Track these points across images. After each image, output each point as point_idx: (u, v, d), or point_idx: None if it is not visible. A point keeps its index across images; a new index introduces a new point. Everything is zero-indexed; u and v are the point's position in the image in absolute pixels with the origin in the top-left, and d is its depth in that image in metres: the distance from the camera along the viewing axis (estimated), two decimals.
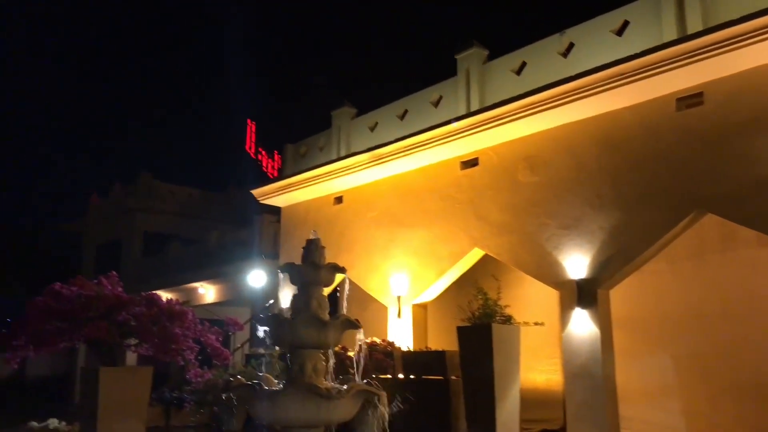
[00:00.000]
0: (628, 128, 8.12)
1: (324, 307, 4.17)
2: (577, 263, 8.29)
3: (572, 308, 8.24)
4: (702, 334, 8.51)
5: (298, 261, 13.13)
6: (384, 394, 4.06)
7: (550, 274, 8.61)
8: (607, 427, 7.81)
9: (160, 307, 6.51)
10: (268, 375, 4.25)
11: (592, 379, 7.96)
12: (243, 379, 4.08)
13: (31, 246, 33.15)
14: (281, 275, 4.40)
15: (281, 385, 3.85)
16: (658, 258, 8.32)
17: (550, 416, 9.99)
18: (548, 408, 10.03)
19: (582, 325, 8.12)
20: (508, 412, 7.86)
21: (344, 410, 3.93)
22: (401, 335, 10.38)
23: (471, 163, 9.92)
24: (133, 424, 5.72)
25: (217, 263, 19.24)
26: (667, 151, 7.64)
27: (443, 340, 10.09)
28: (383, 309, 11.06)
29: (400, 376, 9.11)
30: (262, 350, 13.17)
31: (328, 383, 4.08)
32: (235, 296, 19.28)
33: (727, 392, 8.23)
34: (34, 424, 8.19)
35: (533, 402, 9.75)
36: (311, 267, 4.23)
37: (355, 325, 4.19)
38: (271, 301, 17.08)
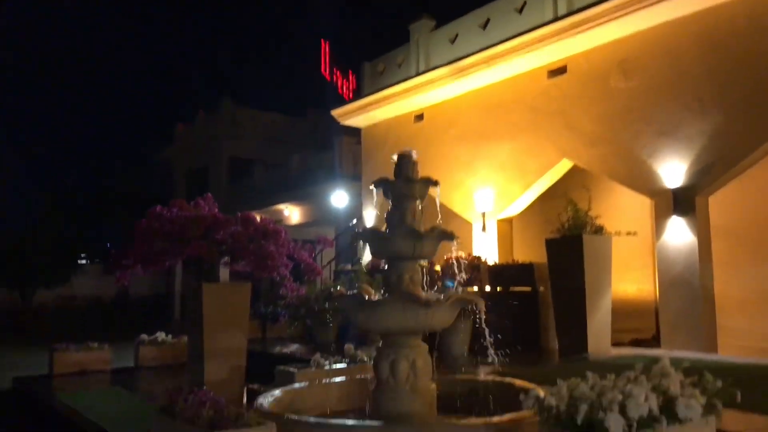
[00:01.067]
0: (732, 24, 7.50)
1: (419, 220, 4.17)
2: (674, 171, 7.92)
3: (668, 217, 7.95)
4: None
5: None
6: (482, 302, 4.08)
7: (645, 183, 8.28)
8: (704, 336, 7.64)
9: (256, 225, 6.71)
10: (365, 286, 4.35)
11: (689, 289, 7.75)
12: (344, 290, 4.20)
13: (127, 176, 34.93)
14: (374, 190, 4.41)
15: (382, 295, 3.92)
16: (759, 163, 7.83)
17: (641, 326, 9.87)
18: (639, 318, 9.90)
19: (679, 233, 7.84)
20: (599, 322, 7.79)
21: (442, 318, 3.99)
22: (486, 250, 10.37)
23: (559, 71, 9.50)
24: (236, 336, 6.00)
25: (300, 185, 19.67)
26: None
27: (529, 253, 10.01)
28: (466, 225, 11.04)
29: (487, 288, 9.16)
30: (349, 266, 13.56)
31: (426, 293, 4.15)
32: (318, 217, 19.75)
33: None
34: (145, 337, 8.81)
35: (624, 312, 9.62)
36: (405, 181, 4.21)
37: (450, 236, 4.18)
38: (355, 220, 17.48)
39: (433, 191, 4.41)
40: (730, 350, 7.86)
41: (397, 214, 4.19)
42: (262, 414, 3.48)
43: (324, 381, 4.81)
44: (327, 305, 7.94)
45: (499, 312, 7.67)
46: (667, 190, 7.96)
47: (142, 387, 7.41)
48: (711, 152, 7.59)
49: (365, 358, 5.50)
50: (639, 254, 9.66)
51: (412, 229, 4.02)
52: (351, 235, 4.22)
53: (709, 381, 2.99)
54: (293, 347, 9.53)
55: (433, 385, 4.08)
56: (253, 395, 5.95)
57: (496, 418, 3.38)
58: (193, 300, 6.45)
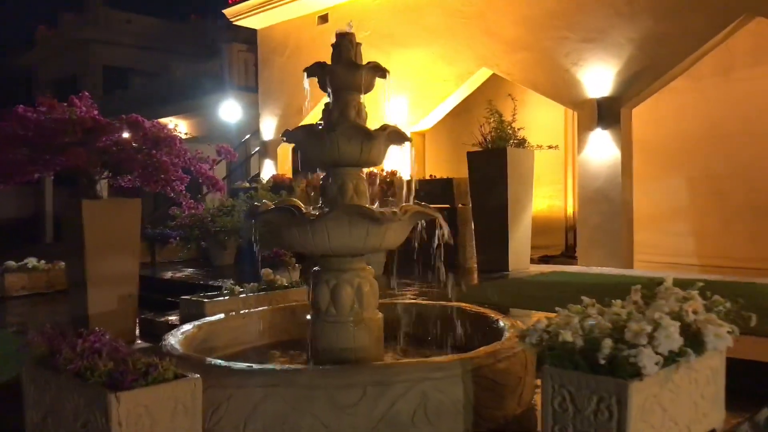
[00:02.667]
0: None
1: (364, 117, 3.41)
2: (599, 80, 7.57)
3: (591, 129, 7.65)
4: (720, 155, 8.09)
5: (279, 92, 12.19)
6: (441, 217, 3.45)
7: (569, 94, 7.90)
8: (622, 252, 7.56)
9: (146, 131, 5.65)
10: (295, 200, 3.60)
11: (610, 204, 7.58)
12: (271, 204, 3.42)
13: None
14: (305, 80, 3.58)
15: (324, 209, 3.17)
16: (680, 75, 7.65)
17: (550, 242, 9.80)
18: (549, 234, 9.81)
19: (601, 147, 7.57)
20: (520, 239, 7.50)
21: (396, 236, 3.33)
22: (398, 165, 9.76)
23: None
24: (127, 261, 5.08)
25: (186, 97, 18.05)
26: None
27: (442, 169, 9.54)
28: None
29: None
30: (246, 184, 12.58)
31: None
32: (208, 132, 18.33)
33: (741, 213, 7.97)
34: (12, 263, 7.60)
35: (534, 229, 9.48)
36: (347, 66, 3.40)
37: (405, 137, 3.47)
38: (248, 137, 16.30)
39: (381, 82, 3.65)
40: (642, 266, 7.86)
41: (337, 110, 3.41)
42: (178, 359, 2.71)
43: (242, 311, 4.07)
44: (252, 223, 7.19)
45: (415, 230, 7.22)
46: (591, 101, 7.62)
47: (10, 320, 6.34)
48: (640, 60, 7.27)
49: (285, 283, 4.79)
50: (551, 169, 9.44)
51: (359, 127, 3.27)
52: (284, 134, 3.27)
53: (720, 304, 2.57)
54: (187, 272, 8.65)
55: (380, 315, 3.46)
56: (150, 327, 5.15)
57: (471, 353, 2.82)
58: (71, 220, 5.39)
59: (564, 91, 7.95)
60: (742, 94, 7.93)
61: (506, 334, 3.18)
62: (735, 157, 7.95)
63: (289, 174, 11.48)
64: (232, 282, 4.64)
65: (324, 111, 3.56)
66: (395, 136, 3.41)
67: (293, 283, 4.82)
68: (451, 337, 3.63)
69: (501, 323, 3.42)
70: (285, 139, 3.52)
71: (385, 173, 8.85)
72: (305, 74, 3.63)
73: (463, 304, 3.97)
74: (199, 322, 3.75)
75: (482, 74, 8.97)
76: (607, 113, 7.45)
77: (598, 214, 7.66)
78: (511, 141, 7.36)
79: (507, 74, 8.60)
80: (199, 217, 9.09)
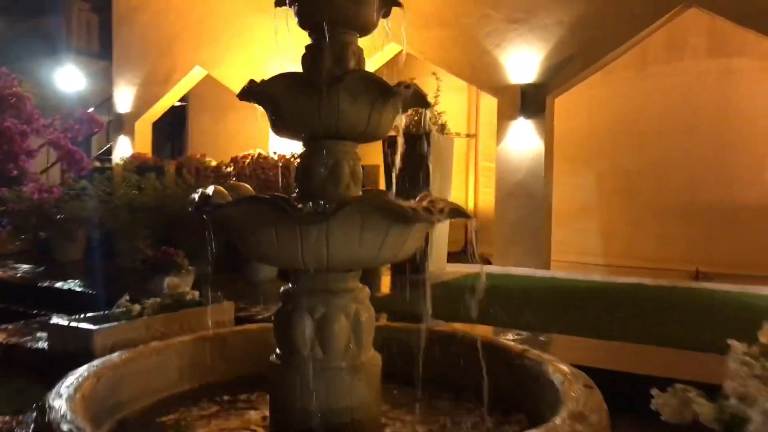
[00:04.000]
0: None
1: (364, 71, 2.34)
2: (523, 65, 6.96)
3: (513, 118, 7.03)
4: (633, 152, 7.87)
5: (139, 58, 10.39)
6: (473, 218, 2.49)
7: (488, 78, 7.22)
8: (541, 251, 7.04)
9: None
10: (243, 185, 2.48)
11: (530, 199, 7.03)
12: (236, 191, 2.27)
13: None
14: (275, 15, 2.46)
15: (316, 204, 2.05)
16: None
17: (450, 238, 9.15)
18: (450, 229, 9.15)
19: (523, 138, 6.98)
20: (439, 237, 6.71)
21: (413, 243, 2.31)
22: (287, 149, 8.59)
23: None
24: None
25: (11, 59, 15.30)
26: None
27: None
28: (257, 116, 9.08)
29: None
30: (97, 162, 10.70)
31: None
32: (37, 104, 15.71)
33: (651, 212, 7.81)
34: None
35: None
36: None
37: (426, 101, 2.45)
38: (91, 110, 14.08)
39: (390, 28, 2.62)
40: (552, 265, 7.42)
41: (331, 55, 2.32)
42: None
43: (152, 343, 2.83)
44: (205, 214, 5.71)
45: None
46: (513, 87, 6.99)
47: None
48: (570, 45, 6.75)
49: (197, 297, 3.55)
50: (456, 159, 8.78)
51: (375, 79, 2.20)
52: (244, 90, 2.10)
53: None
54: (23, 269, 6.90)
55: (379, 356, 2.42)
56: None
57: None
58: None
59: (483, 75, 7.27)
60: (655, 90, 7.76)
61: (566, 392, 2.24)
62: (646, 154, 7.77)
63: (149, 152, 9.84)
64: (126, 298, 3.33)
65: (305, 58, 2.45)
66: (417, 98, 2.38)
67: (212, 297, 3.59)
68: (456, 374, 2.67)
69: (548, 369, 2.48)
70: (246, 96, 2.36)
71: (282, 156, 7.70)
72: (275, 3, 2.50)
73: (457, 327, 3.02)
74: (96, 366, 2.47)
75: (392, 50, 8.05)
76: (532, 101, 6.86)
77: (517, 210, 7.09)
78: (435, 126, 6.55)
79: (419, 52, 7.75)
80: (36, 202, 7.36)
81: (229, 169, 7.45)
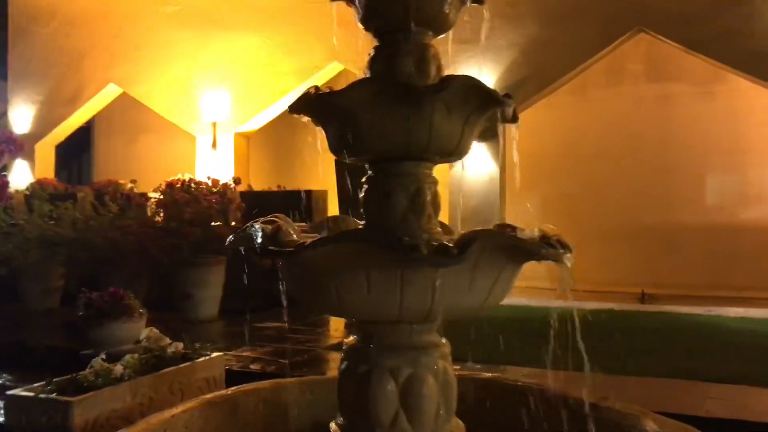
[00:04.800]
0: None
1: (469, 76, 1.94)
2: None
3: None
4: (576, 175, 7.88)
5: (40, 74, 9.40)
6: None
7: None
8: None
9: None
10: (348, 217, 2.04)
11: (485, 225, 6.79)
12: (292, 227, 1.81)
13: None
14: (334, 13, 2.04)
15: (444, 243, 1.60)
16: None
17: None
18: None
19: (478, 161, 6.78)
20: None
21: (512, 283, 1.92)
22: (216, 173, 7.95)
23: None
24: None
25: None
26: None
27: (269, 179, 8.00)
28: (188, 139, 8.39)
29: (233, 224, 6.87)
30: None
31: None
32: None
33: (595, 236, 7.82)
34: None
35: None
36: None
37: (516, 117, 2.09)
38: None
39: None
40: None
41: (411, 60, 1.91)
42: None
43: (150, 417, 2.25)
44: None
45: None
46: None
47: None
48: (522, 68, 6.64)
49: (181, 349, 2.95)
50: None
51: (478, 84, 1.80)
52: (303, 101, 1.64)
53: None
54: None
55: (461, 423, 2.00)
56: None
57: None
58: None
59: None
60: (595, 114, 7.83)
61: None
62: (588, 177, 7.80)
63: (53, 178, 8.83)
64: (103, 357, 2.70)
65: (373, 63, 2.03)
66: (512, 111, 2.01)
67: (195, 349, 3.01)
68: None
69: (644, 422, 2.14)
70: (304, 107, 1.91)
71: (216, 181, 7.05)
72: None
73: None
74: None
75: (333, 69, 7.67)
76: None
77: None
78: None
79: (363, 71, 7.38)
80: None
81: (156, 197, 6.70)
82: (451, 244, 1.57)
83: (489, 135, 5.82)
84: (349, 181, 5.82)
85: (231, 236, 1.87)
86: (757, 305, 6.02)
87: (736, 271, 7.10)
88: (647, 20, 6.24)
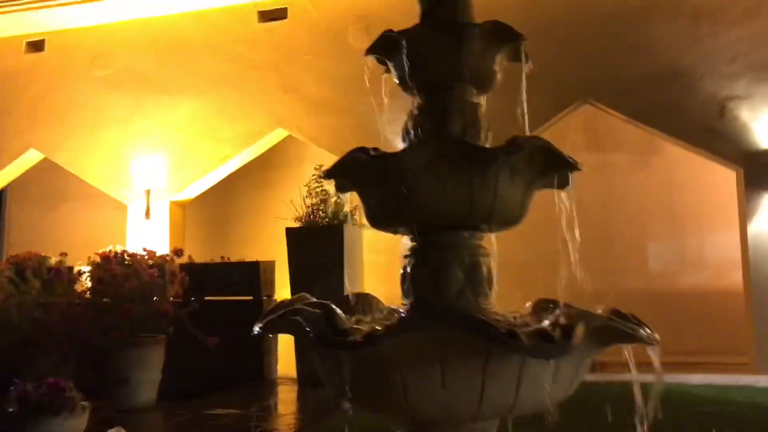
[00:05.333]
0: None
1: (541, 138, 1.75)
2: None
3: None
4: (525, 243, 7.81)
5: None
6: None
7: None
8: None
9: None
10: (370, 294, 1.76)
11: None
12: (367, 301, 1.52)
13: None
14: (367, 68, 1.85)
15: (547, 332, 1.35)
16: None
17: None
18: None
19: None
20: None
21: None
22: (150, 244, 7.43)
23: (275, 14, 7.37)
24: None
25: None
26: (560, 31, 6.48)
27: (205, 250, 7.54)
28: (118, 207, 7.84)
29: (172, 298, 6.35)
30: None
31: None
32: None
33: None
34: None
35: None
36: (490, 36, 1.76)
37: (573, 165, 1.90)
38: None
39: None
40: None
41: (461, 119, 1.72)
42: None
43: None
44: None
45: (205, 331, 5.33)
46: None
47: None
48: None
49: None
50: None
51: (549, 147, 1.62)
52: (340, 166, 1.40)
53: None
54: None
55: None
56: None
57: None
58: None
59: None
60: None
61: None
62: (536, 245, 7.75)
63: None
64: None
65: (421, 122, 1.82)
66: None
67: None
68: None
69: None
70: (347, 171, 1.67)
71: (152, 253, 6.56)
72: (372, 56, 1.89)
73: None
74: None
75: (278, 135, 7.43)
76: None
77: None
78: (346, 217, 5.99)
79: (310, 138, 7.20)
80: None
81: (88, 270, 6.12)
82: (548, 330, 1.34)
83: None
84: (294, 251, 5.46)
85: (265, 318, 1.58)
86: (703, 371, 6.05)
87: (682, 336, 7.19)
88: (593, 91, 6.42)
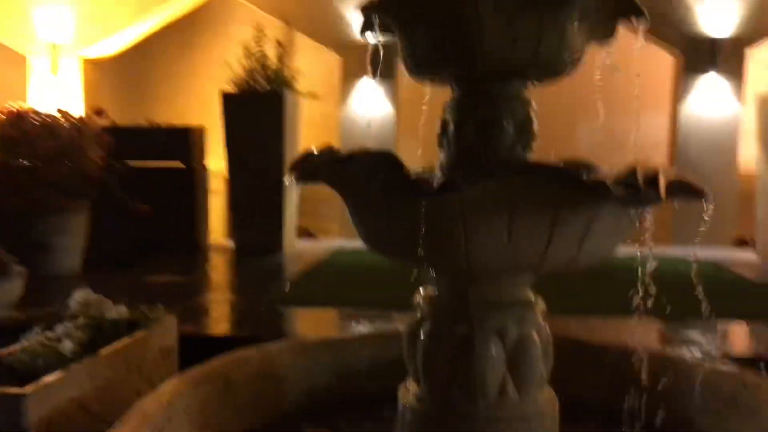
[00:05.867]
0: None
1: None
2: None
3: (359, 77, 6.46)
4: None
5: None
6: None
7: (333, 34, 6.48)
8: None
9: None
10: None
11: None
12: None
13: None
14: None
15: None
16: None
17: None
18: None
19: (375, 99, 6.47)
20: (292, 208, 5.90)
21: None
22: (58, 103, 6.78)
23: None
24: None
25: None
26: None
27: (127, 115, 7.00)
28: (16, 60, 7.03)
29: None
30: None
31: None
32: None
33: None
34: None
35: None
36: None
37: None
38: None
39: None
40: None
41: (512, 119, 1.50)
42: None
43: (146, 406, 1.71)
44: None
45: (132, 198, 5.04)
46: (362, 44, 6.38)
47: None
48: None
49: (126, 315, 2.34)
50: None
51: None
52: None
53: None
54: None
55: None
56: None
57: None
58: None
59: (328, 30, 6.51)
60: None
61: None
62: None
63: None
64: (37, 329, 2.05)
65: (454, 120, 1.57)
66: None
67: (145, 314, 2.41)
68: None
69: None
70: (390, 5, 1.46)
71: (66, 113, 6.03)
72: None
73: None
74: None
75: None
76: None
77: None
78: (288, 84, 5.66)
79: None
80: None
81: None
82: (634, 180, 1.27)
83: (386, 73, 5.47)
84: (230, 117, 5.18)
85: (305, 164, 1.42)
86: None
87: None
88: None
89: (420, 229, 1.26)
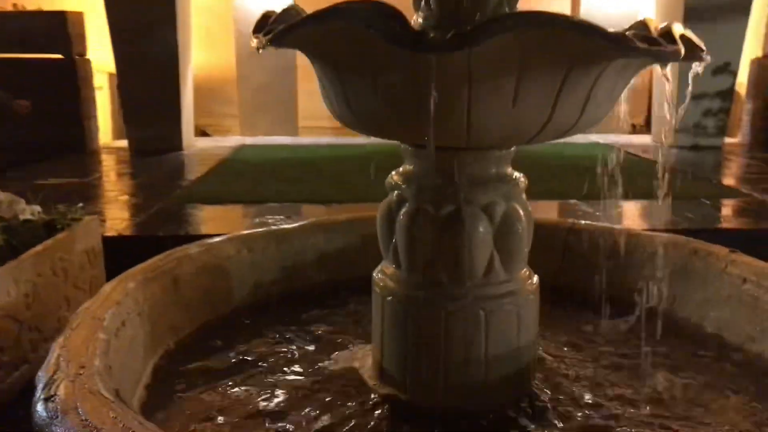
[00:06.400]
0: None
1: None
2: None
3: None
4: None
5: None
6: None
7: None
8: (289, 116, 6.41)
9: None
10: None
11: (279, 58, 6.18)
12: None
13: None
14: None
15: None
16: None
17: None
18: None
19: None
20: (188, 106, 5.50)
21: None
22: None
23: None
24: None
25: None
26: None
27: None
28: None
29: None
30: None
31: None
32: None
33: None
34: None
35: None
36: None
37: None
38: None
39: None
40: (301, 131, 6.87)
41: None
42: None
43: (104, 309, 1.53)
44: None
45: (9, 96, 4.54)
46: None
47: None
48: None
49: (40, 214, 2.06)
50: None
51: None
52: None
53: None
54: None
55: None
56: None
57: None
58: None
59: None
60: None
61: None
62: None
63: None
64: None
65: None
66: None
67: (62, 213, 2.15)
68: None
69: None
70: None
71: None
72: None
73: None
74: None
75: None
76: None
77: (261, 72, 6.19)
78: None
79: None
80: None
81: None
82: (654, 35, 1.20)
83: None
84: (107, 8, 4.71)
85: (282, 23, 1.22)
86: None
87: None
88: None
89: (419, 93, 1.14)
